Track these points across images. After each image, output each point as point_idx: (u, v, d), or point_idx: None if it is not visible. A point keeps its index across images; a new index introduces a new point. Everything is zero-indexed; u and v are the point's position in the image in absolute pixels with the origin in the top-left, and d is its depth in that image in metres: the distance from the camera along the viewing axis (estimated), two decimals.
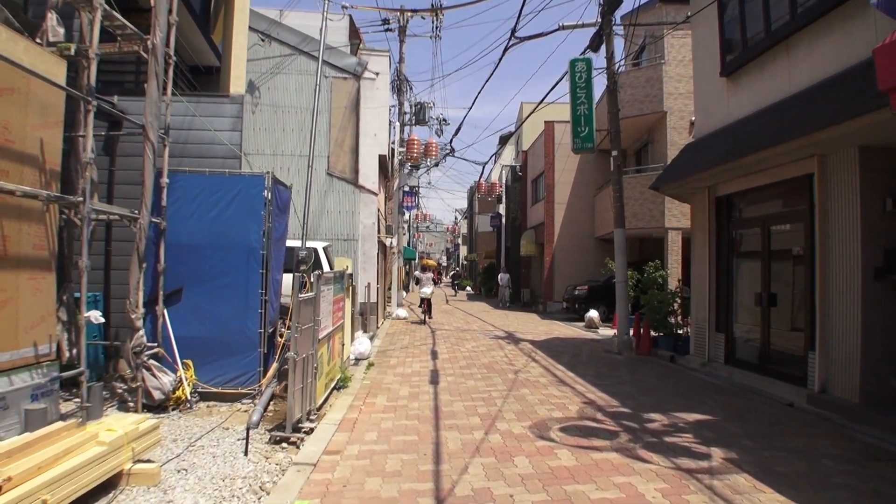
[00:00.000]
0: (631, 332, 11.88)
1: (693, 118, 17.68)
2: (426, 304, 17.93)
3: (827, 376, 7.25)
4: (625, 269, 12.11)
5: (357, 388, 7.86)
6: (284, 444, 5.54)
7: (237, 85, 9.39)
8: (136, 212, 6.59)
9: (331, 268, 11.10)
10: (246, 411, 6.70)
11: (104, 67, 9.67)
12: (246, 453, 5.24)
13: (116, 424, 4.65)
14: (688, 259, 17.81)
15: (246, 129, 14.49)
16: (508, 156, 37.22)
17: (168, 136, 7.29)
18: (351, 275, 9.24)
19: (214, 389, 7.10)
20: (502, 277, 27.17)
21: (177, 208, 7.24)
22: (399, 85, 23.27)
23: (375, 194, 14.60)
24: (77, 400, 6.32)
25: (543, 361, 10.22)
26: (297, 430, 5.78)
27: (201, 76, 13.22)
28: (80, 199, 5.60)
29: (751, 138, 8.17)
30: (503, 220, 31.52)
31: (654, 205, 17.57)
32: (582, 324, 17.45)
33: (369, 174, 14.60)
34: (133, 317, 6.55)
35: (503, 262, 30.60)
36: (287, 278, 8.59)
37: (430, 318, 17.83)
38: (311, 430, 5.85)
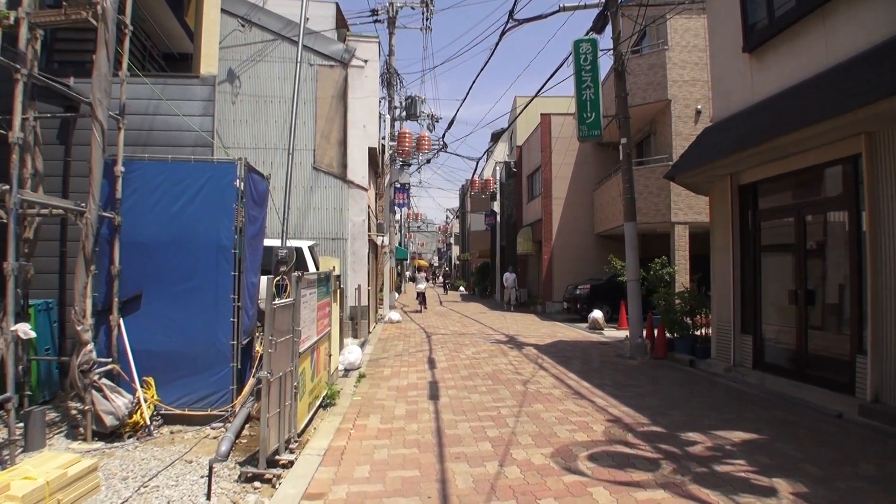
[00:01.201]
0: (644, 335, 10.97)
1: (699, 107, 16.94)
2: (421, 296, 23.49)
3: (880, 383, 6.35)
4: (637, 267, 11.22)
5: (346, 405, 6.88)
6: (257, 483, 4.56)
7: (209, 65, 8.39)
8: (83, 204, 5.60)
9: (317, 269, 10.12)
10: (216, 437, 5.72)
11: (62, 47, 8.69)
12: (208, 497, 4.26)
13: (39, 469, 3.66)
14: (696, 255, 17.05)
15: (225, 121, 13.55)
16: (501, 153, 36.32)
17: (124, 117, 6.30)
18: (339, 276, 8.27)
19: (180, 412, 6.11)
20: (507, 277, 24.78)
21: (135, 201, 6.24)
22: (389, 78, 22.35)
23: (365, 189, 13.62)
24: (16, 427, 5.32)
25: (552, 369, 9.29)
26: (272, 463, 4.81)
27: (176, 63, 12.21)
28: (6, 187, 4.60)
29: (784, 118, 7.28)
30: (498, 217, 30.57)
31: (660, 199, 16.70)
32: (585, 325, 16.56)
33: (358, 168, 13.63)
34: (79, 328, 5.56)
35: (499, 261, 29.65)
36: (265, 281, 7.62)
37: (425, 308, 23.07)
38: (291, 462, 4.87)
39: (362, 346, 12.00)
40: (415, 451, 5.13)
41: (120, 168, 6.11)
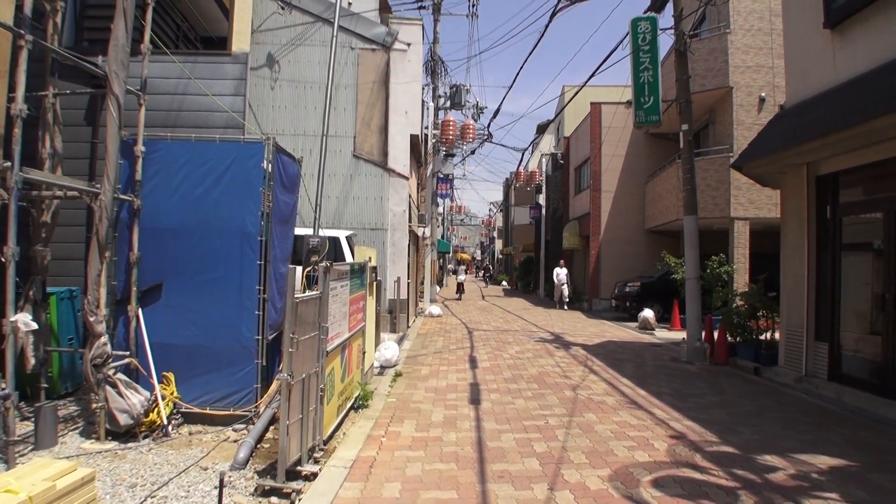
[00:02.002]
0: (702, 338, 10.12)
1: (763, 94, 15.81)
2: (460, 286, 27.34)
3: None
4: (696, 264, 10.37)
5: (380, 407, 6.34)
6: (274, 499, 4.05)
7: (241, 42, 7.93)
8: (98, 186, 5.18)
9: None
10: (236, 441, 5.25)
11: (92, 24, 8.38)
12: None
13: (24, 481, 3.21)
14: (756, 254, 15.96)
15: (263, 107, 13.19)
16: (547, 145, 35.34)
17: (145, 93, 5.87)
18: (375, 268, 7.73)
19: (200, 410, 5.67)
20: (558, 273, 22.14)
21: (156, 184, 5.81)
22: (433, 67, 21.78)
23: (406, 178, 13.08)
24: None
25: (603, 373, 8.57)
26: (293, 475, 4.30)
27: (214, 47, 11.89)
28: (7, 164, 4.19)
29: (880, 97, 6.37)
30: (543, 211, 29.68)
31: (718, 192, 15.66)
32: (634, 324, 15.68)
33: (400, 156, 13.09)
34: (92, 319, 5.15)
35: (543, 255, 28.80)
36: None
37: (463, 293, 26.85)
38: (314, 475, 4.34)
39: (400, 341, 11.49)
40: (452, 466, 4.54)
41: (140, 148, 5.69)
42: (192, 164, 5.80)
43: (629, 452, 4.90)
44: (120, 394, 5.21)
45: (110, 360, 5.27)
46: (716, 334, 10.17)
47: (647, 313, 15.00)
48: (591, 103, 21.42)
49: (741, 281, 15.18)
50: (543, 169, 30.14)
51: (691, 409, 6.48)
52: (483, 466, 4.53)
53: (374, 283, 7.87)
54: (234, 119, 7.38)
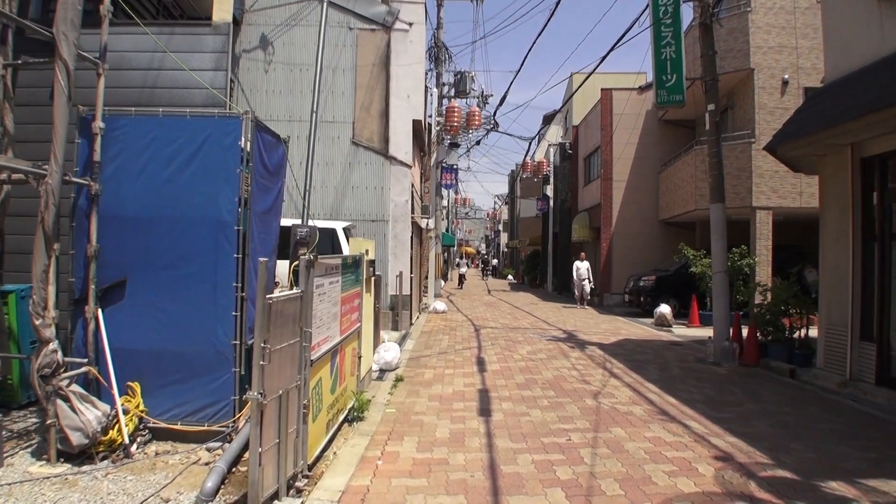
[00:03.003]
0: (730, 336, 9.32)
1: (786, 76, 14.94)
2: (461, 277, 32.16)
3: None
4: (725, 256, 9.56)
5: (377, 420, 5.59)
6: None
7: (222, 10, 7.13)
8: (45, 166, 4.43)
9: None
10: (208, 464, 4.51)
11: None
12: None
13: None
14: (779, 245, 15.13)
15: (257, 92, 12.40)
16: (554, 136, 34.42)
17: (104, 62, 5.10)
18: (373, 261, 6.98)
19: (170, 426, 4.93)
20: (579, 268, 19.74)
21: (118, 165, 5.05)
22: (437, 53, 20.96)
23: (409, 167, 12.30)
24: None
25: (625, 376, 7.80)
26: None
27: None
28: None
29: None
30: (551, 202, 28.84)
31: (739, 180, 14.82)
32: (649, 321, 14.89)
33: (402, 143, 12.30)
34: (38, 323, 4.42)
35: (551, 248, 27.99)
36: (283, 267, 6.42)
37: (465, 281, 32.03)
38: None
39: (403, 340, 10.74)
40: (461, 500, 3.78)
41: (99, 124, 4.92)
42: (159, 142, 5.03)
43: (670, 480, 4.13)
44: (73, 409, 4.46)
45: (62, 369, 4.53)
46: (744, 332, 9.39)
47: (664, 309, 14.20)
48: (602, 89, 20.57)
49: (763, 274, 14.38)
50: (551, 159, 29.31)
51: (731, 421, 5.70)
52: (498, 500, 3.77)
53: (372, 279, 7.12)
54: (216, 97, 6.62)
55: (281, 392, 3.60)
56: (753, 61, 14.95)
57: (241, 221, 4.92)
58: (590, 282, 19.62)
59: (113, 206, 5.00)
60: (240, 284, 4.95)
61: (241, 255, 4.95)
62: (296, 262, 5.85)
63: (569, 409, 6.02)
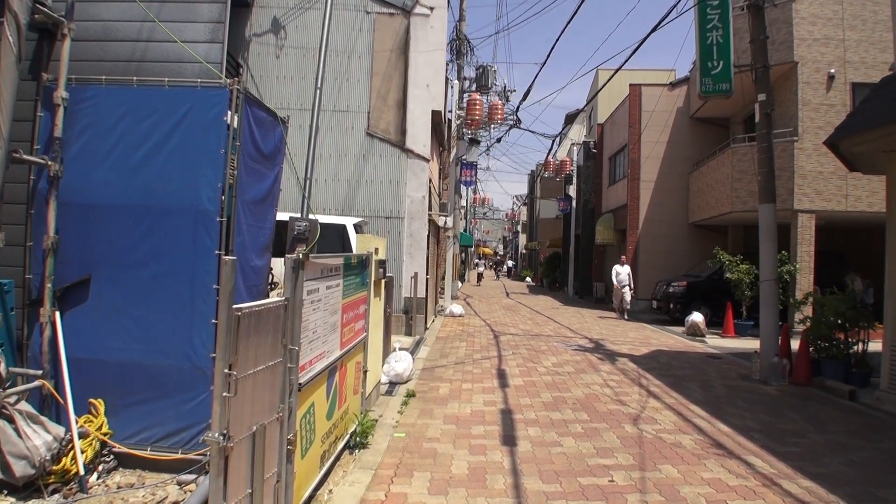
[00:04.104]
0: (780, 351, 8.38)
1: (832, 70, 13.90)
2: (479, 276, 35.77)
3: None
4: (774, 263, 8.64)
5: (383, 448, 4.78)
6: None
7: None
8: None
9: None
10: (177, 502, 3.73)
11: None
12: None
13: None
14: (822, 252, 14.10)
15: (267, 78, 11.66)
16: (577, 137, 33.42)
17: (71, 20, 4.35)
18: (384, 261, 6.17)
19: (138, 452, 4.16)
20: (619, 273, 17.21)
21: (85, 143, 4.30)
22: (458, 46, 20.18)
23: (427, 160, 11.49)
24: None
25: (666, 396, 6.92)
26: None
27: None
28: None
29: None
30: (573, 203, 27.85)
31: (780, 181, 13.67)
32: (679, 329, 13.95)
33: (419, 135, 11.50)
34: None
35: (572, 250, 27.01)
36: (277, 265, 5.64)
37: (482, 279, 34.29)
38: None
39: (417, 346, 9.94)
40: None
41: (62, 94, 4.17)
42: (133, 117, 4.27)
43: None
44: (18, 432, 3.72)
45: (7, 383, 3.79)
46: (796, 347, 8.45)
47: (697, 317, 13.23)
48: (631, 85, 19.61)
49: (805, 282, 13.36)
50: (574, 158, 28.33)
51: (798, 458, 4.81)
52: None
53: (383, 281, 6.32)
54: (210, 71, 5.86)
55: (255, 428, 2.80)
56: (797, 54, 13.94)
57: (224, 211, 4.14)
58: (631, 289, 17.37)
59: (76, 191, 4.25)
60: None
61: (224, 252, 4.16)
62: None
63: (607, 438, 5.16)
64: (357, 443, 4.77)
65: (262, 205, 4.82)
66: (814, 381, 8.11)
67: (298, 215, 6.55)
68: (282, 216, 5.75)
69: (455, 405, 6.20)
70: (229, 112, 4.20)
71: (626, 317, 16.81)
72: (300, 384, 3.31)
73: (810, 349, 8.31)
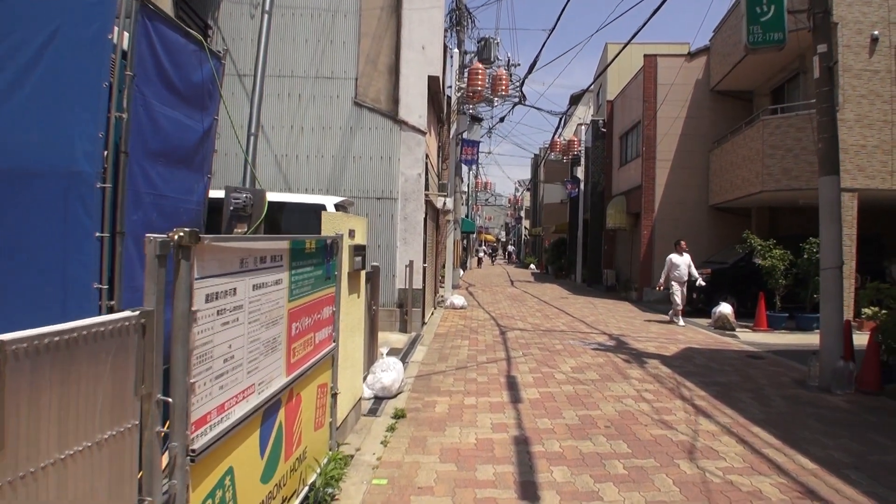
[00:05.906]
0: (844, 354, 7.03)
1: (875, 32, 12.42)
2: (479, 261, 35.85)
3: None
4: (838, 247, 7.26)
5: None
6: None
7: None
8: None
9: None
10: None
11: None
12: None
13: None
14: (865, 237, 12.73)
15: (241, 41, 10.21)
16: (582, 117, 31.87)
17: None
18: (363, 247, 4.81)
19: None
20: (678, 265, 12.87)
21: None
22: (458, 17, 18.75)
23: (423, 133, 10.10)
24: None
25: (716, 413, 5.58)
26: None
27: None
28: None
29: None
30: (581, 186, 26.40)
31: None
32: (703, 321, 12.61)
33: (414, 104, 10.11)
34: None
35: (581, 235, 25.60)
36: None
37: (482, 262, 34.07)
38: None
39: (411, 346, 8.61)
40: None
41: None
42: None
43: None
44: None
45: None
46: (864, 348, 7.10)
47: (725, 309, 11.86)
48: (646, 56, 18.11)
49: (846, 269, 11.98)
50: (582, 139, 26.86)
51: None
52: None
53: (363, 273, 4.97)
54: None
55: None
56: (837, 14, 12.43)
57: (104, 174, 2.78)
58: (695, 282, 13.05)
59: None
60: (106, 286, 2.82)
61: (109, 234, 2.81)
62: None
63: (661, 485, 3.82)
64: (320, 499, 3.44)
65: (181, 167, 3.45)
66: (885, 388, 6.77)
67: (307, 200, 5.18)
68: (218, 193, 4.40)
69: (455, 431, 4.85)
70: (116, 28, 2.82)
71: (681, 322, 12.67)
72: (192, 451, 1.97)
73: (882, 349, 6.96)
